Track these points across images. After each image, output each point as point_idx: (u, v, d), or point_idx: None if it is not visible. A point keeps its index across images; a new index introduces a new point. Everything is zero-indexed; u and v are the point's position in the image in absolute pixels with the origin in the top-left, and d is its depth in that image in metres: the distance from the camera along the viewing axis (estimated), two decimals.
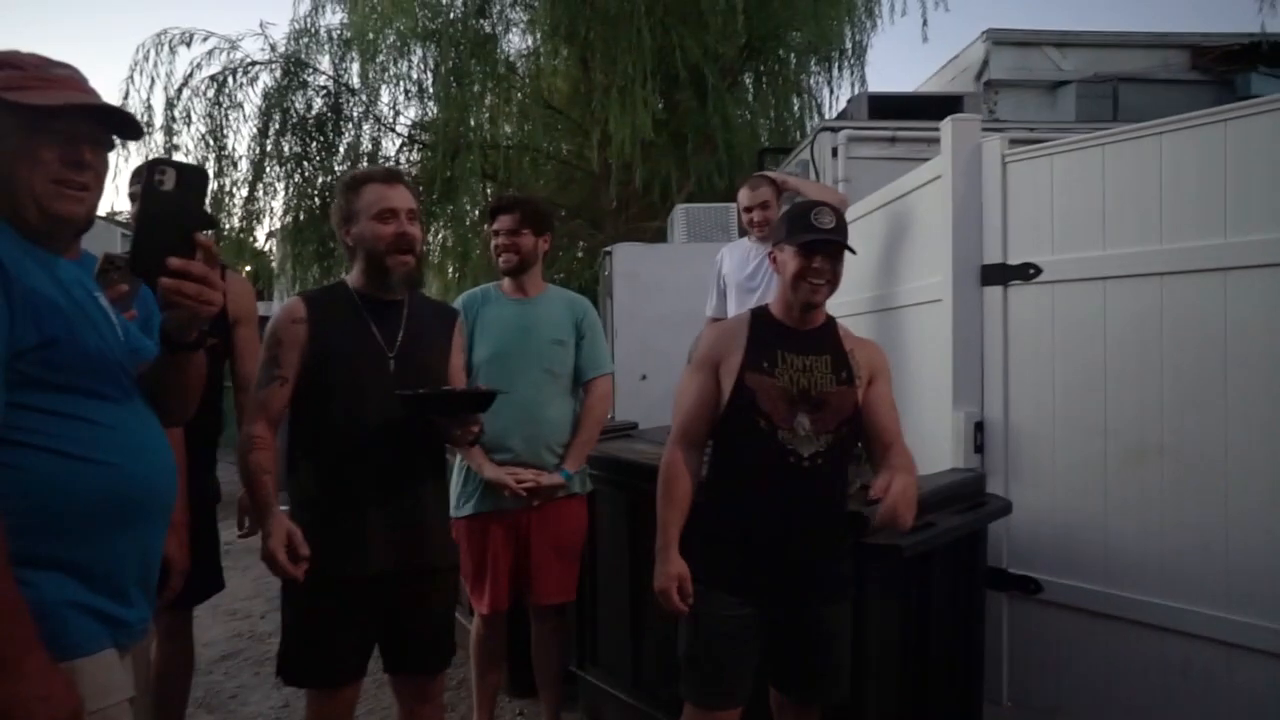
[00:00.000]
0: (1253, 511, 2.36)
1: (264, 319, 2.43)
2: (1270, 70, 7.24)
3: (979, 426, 2.98)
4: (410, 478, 2.11)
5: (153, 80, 9.87)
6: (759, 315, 2.17)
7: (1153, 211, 2.57)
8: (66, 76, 1.33)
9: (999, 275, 2.95)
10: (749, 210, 3.79)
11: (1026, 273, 2.88)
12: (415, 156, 11.12)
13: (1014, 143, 3.03)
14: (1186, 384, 2.50)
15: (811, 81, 11.19)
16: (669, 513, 2.07)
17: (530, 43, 10.86)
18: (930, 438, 3.17)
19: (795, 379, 2.03)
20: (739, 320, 2.20)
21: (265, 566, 1.96)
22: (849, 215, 3.89)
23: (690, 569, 2.04)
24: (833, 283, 2.08)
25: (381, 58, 10.21)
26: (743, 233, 4.06)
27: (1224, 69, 7.52)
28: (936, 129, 3.21)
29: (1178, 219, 2.51)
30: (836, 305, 4.09)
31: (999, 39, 7.91)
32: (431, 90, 10.32)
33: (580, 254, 12.59)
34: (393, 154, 11.05)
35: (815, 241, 2.03)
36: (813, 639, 2.06)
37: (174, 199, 1.28)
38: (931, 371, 3.20)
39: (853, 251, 2.08)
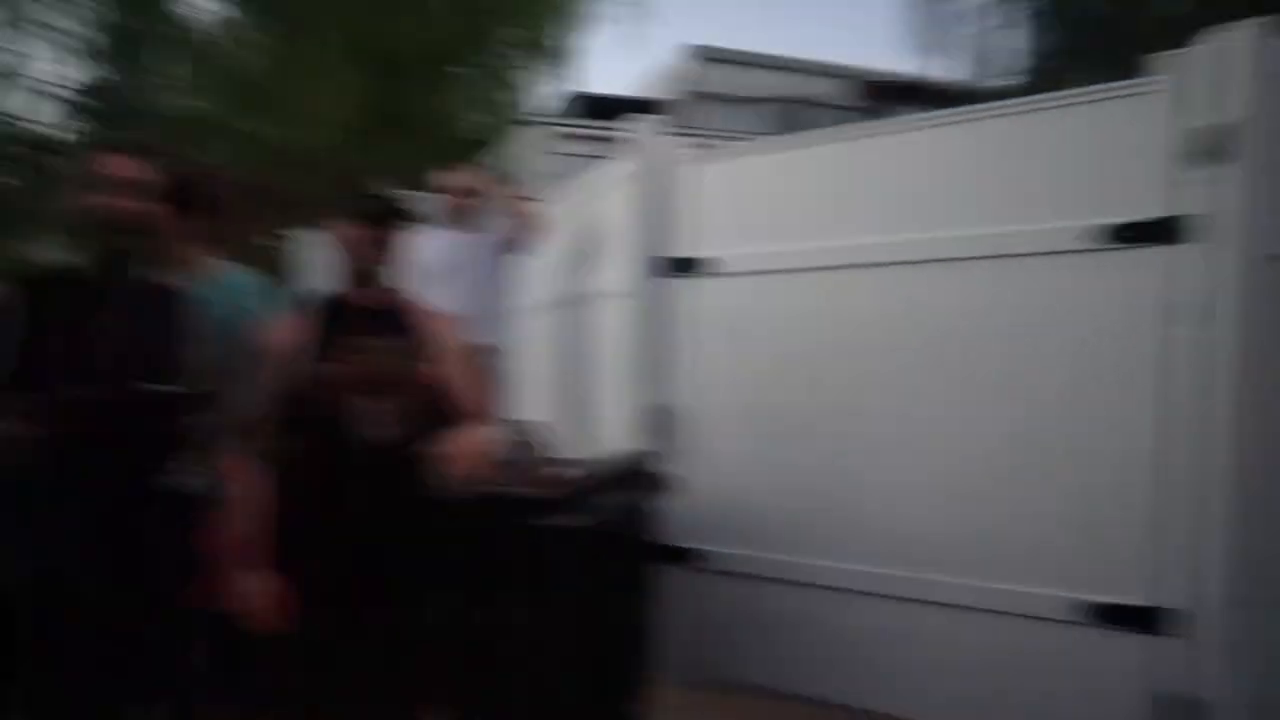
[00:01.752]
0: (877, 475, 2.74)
1: None
2: (923, 107, 8.36)
3: (657, 412, 3.11)
4: None
5: None
6: (326, 304, 2.01)
7: (822, 213, 2.85)
8: None
9: (680, 268, 3.10)
10: (453, 194, 3.73)
11: (706, 267, 3.04)
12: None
13: (706, 148, 3.24)
14: (843, 369, 2.79)
15: (522, 79, 11.25)
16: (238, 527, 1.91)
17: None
18: (612, 423, 3.27)
19: (351, 363, 1.90)
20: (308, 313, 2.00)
21: None
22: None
23: (282, 584, 1.87)
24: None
25: None
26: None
27: (887, 102, 8.56)
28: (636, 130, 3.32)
29: (847, 219, 2.80)
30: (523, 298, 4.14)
31: (709, 56, 8.42)
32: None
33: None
34: None
35: None
36: (410, 637, 1.92)
37: None
38: (616, 361, 3.29)
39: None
